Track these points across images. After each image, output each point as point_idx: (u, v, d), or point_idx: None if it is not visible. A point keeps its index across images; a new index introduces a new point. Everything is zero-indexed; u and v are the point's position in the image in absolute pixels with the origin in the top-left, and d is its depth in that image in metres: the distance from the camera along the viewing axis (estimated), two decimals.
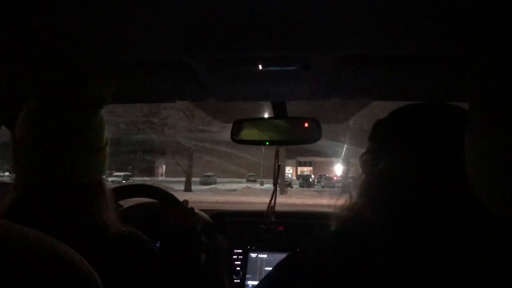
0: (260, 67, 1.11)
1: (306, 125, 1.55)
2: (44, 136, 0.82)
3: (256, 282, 1.67)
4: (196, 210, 1.79)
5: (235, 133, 1.61)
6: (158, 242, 1.64)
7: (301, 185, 28.52)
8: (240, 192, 21.52)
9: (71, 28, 0.93)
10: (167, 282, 1.06)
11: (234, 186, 24.86)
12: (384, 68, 1.12)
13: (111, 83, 0.95)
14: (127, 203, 1.73)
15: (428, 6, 0.77)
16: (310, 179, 29.95)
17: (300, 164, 37.40)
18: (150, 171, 30.69)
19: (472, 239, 0.46)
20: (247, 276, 1.70)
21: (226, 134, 1.85)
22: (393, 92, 1.33)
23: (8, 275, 0.56)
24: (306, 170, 35.57)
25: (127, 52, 1.09)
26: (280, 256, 1.66)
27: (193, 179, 27.77)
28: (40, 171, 0.82)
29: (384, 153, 0.65)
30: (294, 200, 16.40)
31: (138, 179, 23.31)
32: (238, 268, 1.71)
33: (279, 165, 1.68)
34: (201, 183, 27.81)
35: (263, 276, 1.64)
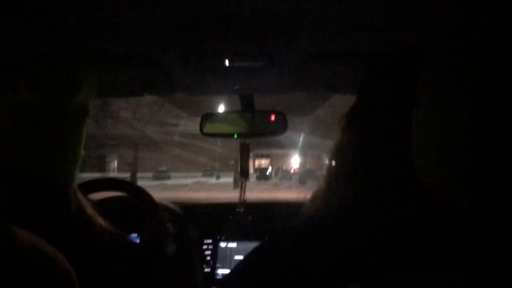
0: (227, 62, 1.16)
1: (272, 118, 1.63)
2: (30, 130, 0.83)
3: (226, 271, 1.75)
4: (167, 203, 1.84)
5: (204, 126, 1.67)
6: (133, 234, 1.68)
7: (258, 178, 28.58)
8: (190, 188, 20.93)
9: (37, 21, 0.94)
10: (140, 275, 1.10)
11: (188, 180, 24.33)
12: (347, 63, 1.17)
13: (95, 92, 0.98)
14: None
15: (383, 5, 0.83)
16: (267, 172, 30.17)
17: (258, 156, 37.52)
18: (101, 166, 29.75)
19: (423, 229, 0.49)
20: (217, 265, 1.77)
21: (196, 127, 1.89)
22: (356, 86, 1.42)
23: None
24: (264, 162, 35.78)
25: (94, 46, 1.11)
26: (250, 245, 1.76)
27: (147, 174, 27.23)
28: (19, 166, 0.83)
29: (350, 141, 0.68)
30: (249, 194, 16.03)
31: (87, 176, 22.37)
32: (208, 258, 1.77)
33: (247, 158, 1.75)
34: (154, 178, 27.30)
35: (233, 265, 1.72)
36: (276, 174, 31.00)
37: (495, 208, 0.39)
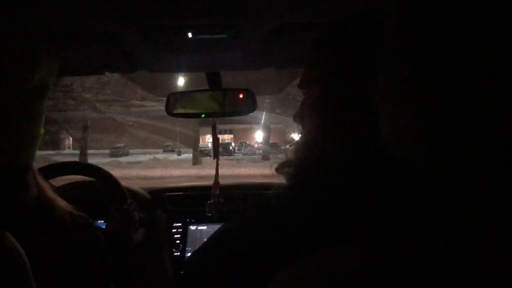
0: (190, 35, 1.14)
1: (241, 96, 1.62)
2: None
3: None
4: (134, 187, 1.81)
5: (170, 106, 1.64)
6: (100, 221, 1.65)
7: (221, 154, 28.55)
8: (145, 165, 20.29)
9: None
10: (106, 261, 1.10)
11: (146, 157, 23.94)
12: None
13: (55, 70, 0.94)
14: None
15: None
16: (231, 147, 30.23)
17: (220, 132, 37.23)
18: (55, 143, 28.79)
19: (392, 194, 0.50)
20: (187, 248, 1.78)
21: (162, 109, 1.85)
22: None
23: None
24: (227, 138, 35.77)
25: (51, 23, 1.06)
26: (219, 227, 1.76)
27: (103, 151, 26.62)
28: None
29: (309, 110, 0.69)
30: (208, 171, 15.56)
31: (41, 153, 21.92)
32: (178, 241, 1.78)
33: (217, 138, 1.74)
34: (111, 155, 26.71)
35: None
36: (239, 149, 31.12)
37: (459, 169, 0.40)
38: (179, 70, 1.62)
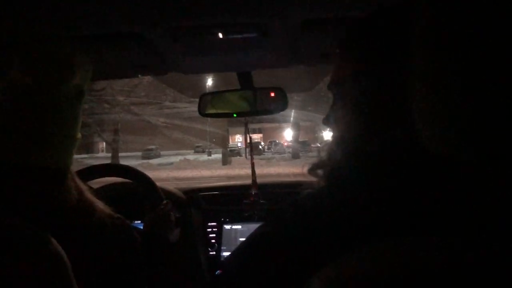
0: (220, 35, 1.15)
1: (272, 94, 1.63)
2: (29, 116, 0.83)
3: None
4: (169, 187, 1.85)
5: (202, 107, 1.66)
6: (137, 221, 1.69)
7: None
8: (176, 166, 20.58)
9: (27, 4, 0.92)
10: (143, 261, 1.12)
11: (176, 158, 24.27)
12: (342, 31, 1.16)
13: (89, 75, 0.97)
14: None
15: None
16: (260, 146, 30.30)
17: (249, 131, 37.34)
18: (89, 147, 29.68)
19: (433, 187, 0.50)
20: (222, 247, 1.80)
21: (194, 109, 1.87)
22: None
23: None
24: (256, 137, 35.82)
25: (83, 26, 1.09)
26: (254, 227, 1.77)
27: (136, 153, 27.22)
28: (16, 151, 0.82)
29: (343, 108, 0.68)
30: (238, 171, 15.55)
31: (76, 157, 22.64)
32: (213, 241, 1.80)
33: (250, 137, 1.75)
34: (143, 157, 27.33)
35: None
36: (269, 148, 31.13)
37: (496, 165, 0.39)
38: (210, 70, 1.64)
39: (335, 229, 0.55)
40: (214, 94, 1.70)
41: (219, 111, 1.68)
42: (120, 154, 22.22)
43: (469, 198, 0.45)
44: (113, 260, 0.95)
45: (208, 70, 1.63)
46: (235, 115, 1.67)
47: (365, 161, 0.60)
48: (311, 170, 0.72)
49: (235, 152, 27.85)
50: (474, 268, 0.34)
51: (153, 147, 29.70)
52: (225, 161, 22.32)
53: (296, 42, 1.22)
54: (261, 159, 23.06)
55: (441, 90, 0.41)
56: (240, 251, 0.68)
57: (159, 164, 21.72)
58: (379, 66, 0.61)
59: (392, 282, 0.34)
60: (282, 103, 1.62)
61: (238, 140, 36.91)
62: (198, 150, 31.59)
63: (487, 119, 0.37)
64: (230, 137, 34.09)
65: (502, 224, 0.41)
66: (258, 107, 1.65)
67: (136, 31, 1.12)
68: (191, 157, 26.01)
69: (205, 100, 1.67)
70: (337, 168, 0.65)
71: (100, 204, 1.00)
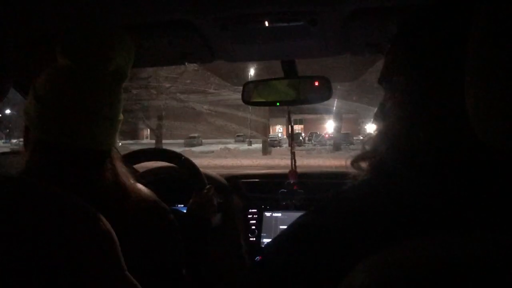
0: (267, 23, 1.15)
1: (316, 83, 1.61)
2: (72, 97, 0.86)
3: (270, 240, 1.80)
4: (212, 173, 1.89)
5: (246, 95, 1.67)
6: (180, 205, 1.74)
7: (290, 144, 28.41)
8: (217, 154, 20.77)
9: None
10: (185, 244, 1.14)
11: (217, 147, 24.61)
12: (392, 21, 1.13)
13: (132, 58, 0.99)
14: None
15: None
16: (301, 137, 30.10)
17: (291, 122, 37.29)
18: (134, 133, 30.64)
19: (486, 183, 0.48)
20: (262, 234, 1.82)
21: (237, 97, 1.89)
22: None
23: (37, 226, 0.67)
24: (297, 128, 35.65)
25: (133, 14, 1.12)
26: (295, 215, 1.79)
27: (179, 141, 27.82)
28: (61, 131, 0.86)
29: (396, 99, 0.67)
30: (278, 161, 15.41)
31: (122, 142, 23.57)
32: (254, 227, 1.83)
33: (292, 126, 1.75)
34: (186, 145, 27.83)
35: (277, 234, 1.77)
36: (309, 140, 30.91)
37: None
38: (256, 58, 1.65)
39: (378, 222, 0.54)
40: (258, 82, 1.71)
41: (262, 99, 1.69)
42: (163, 141, 22.79)
43: None
44: (148, 243, 0.97)
45: (254, 58, 1.64)
46: (278, 104, 1.67)
47: (412, 155, 0.59)
48: (354, 162, 0.72)
49: (276, 142, 27.84)
50: None
51: (195, 135, 30.20)
52: (265, 151, 22.34)
53: (344, 31, 1.21)
54: (301, 150, 22.90)
55: (497, 86, 0.40)
56: (282, 239, 0.69)
57: (201, 152, 21.99)
58: (431, 61, 0.60)
59: (437, 274, 0.34)
60: (326, 93, 1.61)
61: (279, 130, 36.92)
62: (239, 139, 31.82)
63: None
64: (270, 127, 34.13)
65: None
66: (301, 96, 1.64)
67: (185, 19, 1.14)
68: (232, 146, 26.24)
69: (249, 88, 1.68)
70: (383, 162, 0.64)
71: (138, 189, 1.02)
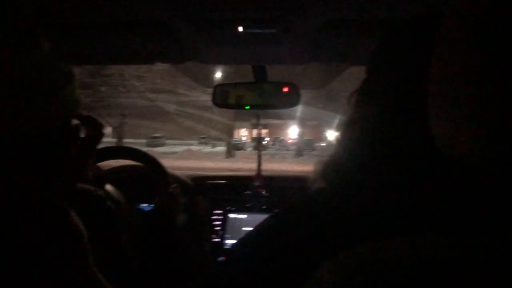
0: (241, 29, 1.17)
1: (285, 89, 1.65)
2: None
3: (234, 241, 1.81)
4: (178, 173, 1.89)
5: (216, 97, 1.69)
6: (143, 204, 1.73)
7: (254, 148, 28.43)
8: (179, 156, 20.36)
9: None
10: (149, 243, 1.13)
11: (181, 148, 24.27)
12: (363, 33, 1.17)
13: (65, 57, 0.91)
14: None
15: None
16: (264, 142, 30.23)
17: (255, 126, 37.45)
18: None
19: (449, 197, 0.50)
20: (226, 235, 1.84)
21: (207, 99, 1.90)
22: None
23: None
24: (262, 132, 35.68)
25: (105, 11, 1.11)
26: (259, 217, 1.81)
27: (141, 140, 27.26)
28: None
29: (365, 114, 0.67)
30: (241, 165, 15.58)
31: None
32: (218, 228, 1.84)
33: (260, 129, 1.78)
34: (148, 145, 27.26)
35: (241, 235, 1.79)
36: (273, 144, 31.12)
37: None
38: (228, 62, 1.66)
39: (341, 225, 0.56)
40: (229, 85, 1.73)
41: (232, 102, 1.71)
42: (125, 140, 22.27)
43: (477, 200, 0.46)
44: (115, 237, 0.97)
45: (226, 62, 1.65)
46: (247, 108, 1.69)
47: (379, 162, 0.61)
48: (324, 171, 0.71)
49: (240, 146, 27.83)
50: (478, 268, 0.35)
51: (158, 135, 29.67)
52: (228, 154, 22.27)
53: (315, 40, 1.24)
54: (265, 154, 22.90)
55: (454, 96, 0.42)
56: (247, 240, 0.69)
57: (163, 153, 21.54)
58: (406, 72, 0.61)
59: (400, 274, 0.36)
60: (294, 99, 1.65)
61: (243, 134, 36.97)
62: (203, 141, 31.54)
63: (501, 125, 0.38)
64: (235, 131, 34.11)
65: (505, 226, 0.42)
66: (270, 101, 1.68)
67: (161, 20, 1.14)
68: (195, 148, 25.99)
69: (219, 90, 1.70)
70: (351, 167, 0.65)
71: (107, 185, 1.00)
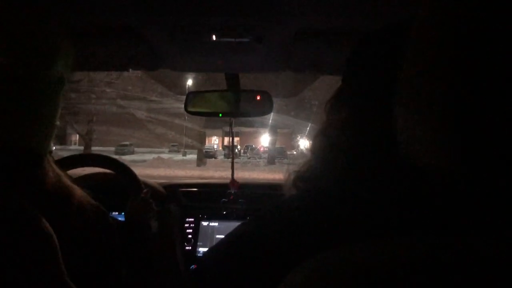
0: (214, 37, 1.18)
1: (258, 98, 1.68)
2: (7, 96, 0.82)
3: (207, 249, 1.81)
4: (150, 181, 1.87)
5: (188, 104, 1.69)
6: (114, 212, 1.71)
7: (226, 156, 28.41)
8: (149, 164, 20.33)
9: None
10: (123, 250, 1.13)
11: (150, 156, 23.89)
12: (335, 43, 1.20)
13: (71, 64, 0.96)
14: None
15: None
16: (236, 150, 30.20)
17: (227, 134, 37.44)
18: (61, 138, 29.06)
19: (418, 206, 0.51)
20: (198, 243, 1.83)
21: (180, 106, 1.90)
22: (342, 68, 1.45)
23: None
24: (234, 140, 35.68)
25: (77, 17, 1.10)
26: (232, 224, 1.82)
27: (109, 148, 26.77)
28: None
29: (337, 123, 0.69)
30: (212, 173, 15.58)
31: None
32: (190, 236, 1.83)
33: (233, 137, 1.80)
34: (116, 153, 26.80)
35: (214, 243, 1.79)
36: (245, 152, 31.14)
37: (480, 175, 0.41)
38: (201, 70, 1.68)
39: (313, 231, 0.57)
40: (201, 92, 1.74)
41: (205, 110, 1.72)
42: (93, 148, 21.80)
43: (439, 203, 0.48)
44: (91, 245, 0.95)
45: (199, 69, 1.66)
46: (220, 115, 1.71)
47: (345, 169, 0.62)
48: (296, 181, 0.73)
49: (211, 153, 27.70)
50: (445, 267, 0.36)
51: (127, 143, 29.21)
52: (199, 162, 22.07)
53: (289, 49, 1.26)
54: (236, 162, 22.82)
55: (424, 101, 0.44)
56: (219, 248, 0.69)
57: (132, 161, 21.21)
58: (371, 81, 0.64)
59: (366, 277, 0.36)
60: (267, 107, 1.67)
61: (214, 141, 36.88)
62: (173, 149, 31.25)
63: (473, 131, 0.39)
64: (207, 138, 33.98)
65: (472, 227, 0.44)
66: (243, 109, 1.69)
67: (133, 26, 1.14)
68: (166, 156, 25.71)
69: (192, 98, 1.70)
70: (321, 175, 0.67)
71: (78, 191, 1.00)
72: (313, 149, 0.74)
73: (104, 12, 1.07)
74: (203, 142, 24.94)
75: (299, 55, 1.33)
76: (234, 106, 1.70)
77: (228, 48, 1.29)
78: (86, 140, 21.16)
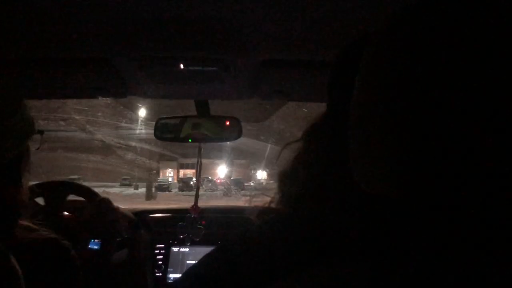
0: (182, 66, 1.23)
1: (227, 123, 1.75)
2: None
3: (178, 275, 1.83)
4: (120, 207, 1.88)
5: (158, 130, 1.75)
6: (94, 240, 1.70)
7: (180, 189, 27.93)
8: None
9: None
10: (89, 281, 1.14)
11: (95, 190, 22.95)
12: (300, 71, 1.28)
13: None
14: None
15: (333, 16, 0.93)
16: (191, 182, 29.84)
17: (182, 166, 36.98)
18: None
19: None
20: (169, 269, 1.84)
21: (150, 132, 1.94)
22: (308, 94, 1.53)
23: None
24: (189, 172, 35.18)
25: (47, 46, 1.15)
26: (202, 250, 1.87)
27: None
28: None
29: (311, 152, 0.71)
30: (162, 206, 15.11)
31: None
32: (160, 262, 1.85)
33: (200, 163, 1.86)
34: None
35: (185, 269, 1.81)
36: (201, 185, 30.56)
37: (429, 200, 0.41)
38: (170, 97, 1.72)
39: (280, 260, 0.60)
40: (171, 118, 1.79)
41: (175, 135, 1.77)
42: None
43: (392, 232, 0.50)
44: (49, 280, 0.96)
45: (168, 96, 1.71)
46: (190, 140, 1.76)
47: (308, 198, 0.66)
48: (261, 215, 0.77)
49: (164, 187, 27.11)
50: None
51: (75, 176, 28.10)
52: (149, 196, 21.56)
53: (254, 78, 1.34)
54: (191, 195, 22.48)
55: (366, 135, 0.45)
56: (187, 277, 0.72)
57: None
58: (335, 110, 0.68)
59: None
60: (236, 132, 1.75)
61: (169, 174, 36.20)
62: (125, 183, 30.35)
63: (426, 160, 0.40)
64: (161, 171, 33.36)
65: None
66: (212, 134, 1.76)
67: (101, 55, 1.19)
68: (117, 190, 24.92)
69: (162, 124, 1.76)
70: (289, 206, 0.71)
71: (36, 229, 0.99)
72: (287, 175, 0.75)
73: (74, 43, 1.11)
74: (156, 174, 24.42)
75: (265, 83, 1.40)
76: (204, 131, 1.76)
77: (196, 77, 1.34)
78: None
